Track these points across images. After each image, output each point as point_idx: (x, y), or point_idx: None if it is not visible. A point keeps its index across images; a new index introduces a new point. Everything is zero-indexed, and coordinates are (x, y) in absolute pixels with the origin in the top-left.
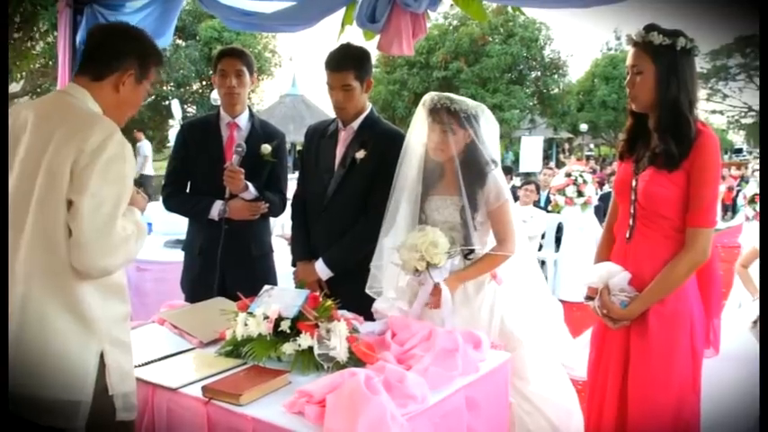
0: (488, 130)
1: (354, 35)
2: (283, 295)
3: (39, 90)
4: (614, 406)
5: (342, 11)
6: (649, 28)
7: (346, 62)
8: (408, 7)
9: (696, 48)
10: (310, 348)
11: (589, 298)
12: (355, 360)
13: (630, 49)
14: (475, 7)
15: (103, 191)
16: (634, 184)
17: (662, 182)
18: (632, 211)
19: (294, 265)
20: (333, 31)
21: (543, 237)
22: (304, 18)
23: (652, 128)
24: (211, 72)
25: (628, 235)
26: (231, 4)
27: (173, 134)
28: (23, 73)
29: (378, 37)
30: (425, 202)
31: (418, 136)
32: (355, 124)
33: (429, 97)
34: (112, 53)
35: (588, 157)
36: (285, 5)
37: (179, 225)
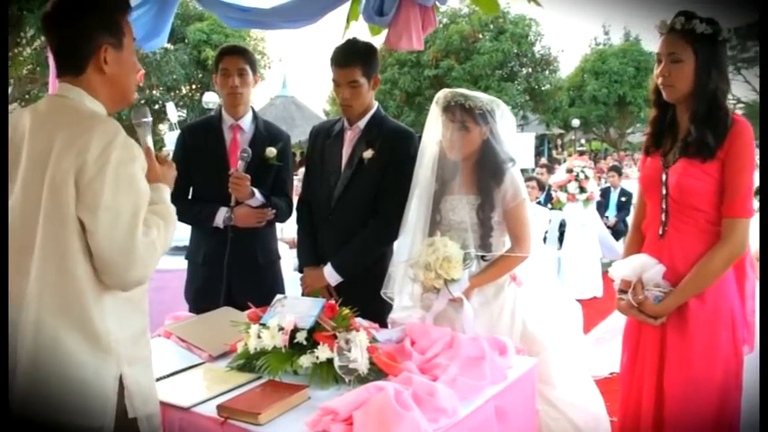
0: (505, 126)
1: (357, 32)
2: (298, 305)
3: (27, 96)
4: (651, 406)
5: (346, 6)
6: (690, 15)
7: (353, 57)
8: None
9: (732, 37)
10: (329, 360)
11: (622, 291)
12: (376, 371)
13: (663, 36)
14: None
15: (118, 201)
16: (664, 178)
17: (695, 173)
18: (664, 206)
19: (301, 270)
20: (325, 30)
21: (546, 234)
22: (307, 14)
23: (685, 118)
24: (203, 75)
25: (660, 231)
26: (229, 0)
27: (168, 139)
28: (12, 80)
29: (383, 33)
30: (441, 202)
31: (432, 134)
32: (362, 123)
33: (442, 94)
34: (76, 39)
35: (581, 152)
36: (285, 0)
37: (180, 231)
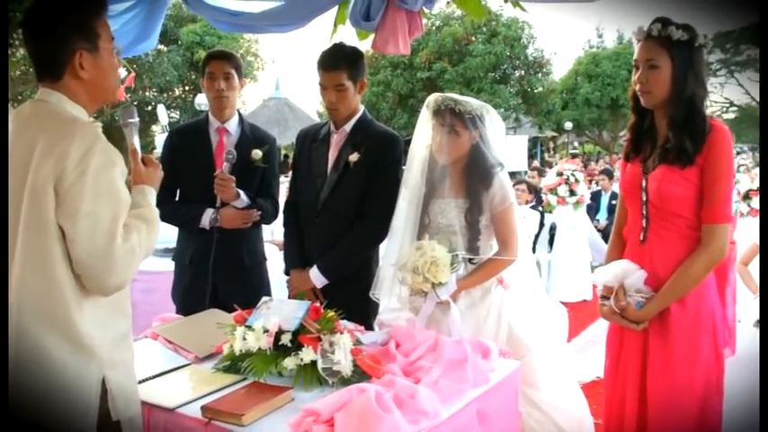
0: (494, 131)
1: (346, 35)
2: (283, 307)
3: (20, 98)
4: (635, 411)
5: (333, 10)
6: (666, 22)
7: (339, 61)
8: (404, 4)
9: (709, 43)
10: (313, 362)
11: (604, 297)
12: (360, 373)
13: (640, 43)
14: (473, 4)
15: (97, 207)
16: (644, 184)
17: (675, 179)
18: (644, 212)
19: (287, 273)
20: (318, 32)
21: (537, 237)
22: (295, 18)
23: (663, 124)
24: (196, 76)
25: (641, 237)
26: (218, 4)
27: (159, 141)
28: None
29: (371, 37)
30: (430, 205)
31: (422, 138)
32: (348, 126)
33: (433, 98)
34: (51, 47)
35: (574, 155)
36: (274, 5)
37: (168, 233)
